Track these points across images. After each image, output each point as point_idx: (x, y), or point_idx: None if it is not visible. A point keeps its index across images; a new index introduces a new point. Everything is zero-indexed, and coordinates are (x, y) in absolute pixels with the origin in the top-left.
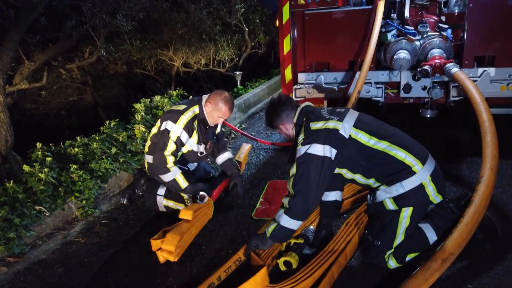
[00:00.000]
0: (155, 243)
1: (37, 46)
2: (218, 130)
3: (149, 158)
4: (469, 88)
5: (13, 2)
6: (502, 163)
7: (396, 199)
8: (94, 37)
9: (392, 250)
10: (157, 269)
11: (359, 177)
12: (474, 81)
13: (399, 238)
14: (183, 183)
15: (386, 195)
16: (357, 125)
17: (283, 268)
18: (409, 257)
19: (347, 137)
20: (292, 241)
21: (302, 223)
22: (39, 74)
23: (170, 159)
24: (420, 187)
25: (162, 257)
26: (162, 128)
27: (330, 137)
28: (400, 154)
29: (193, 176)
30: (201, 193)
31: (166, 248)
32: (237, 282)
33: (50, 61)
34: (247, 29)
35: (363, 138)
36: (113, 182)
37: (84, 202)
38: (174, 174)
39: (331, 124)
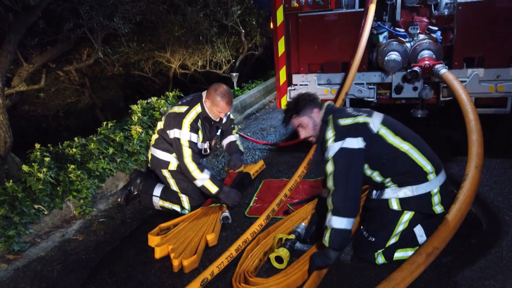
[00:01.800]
0: (152, 238)
1: (35, 48)
2: (224, 120)
3: (154, 151)
4: (456, 88)
5: (11, 5)
6: (491, 161)
7: (402, 201)
8: (91, 40)
9: (383, 249)
10: (153, 266)
11: (376, 175)
12: (464, 81)
13: (393, 239)
14: (212, 188)
15: (394, 194)
16: (384, 122)
17: (274, 263)
18: (397, 253)
19: (375, 131)
20: (284, 237)
21: (354, 220)
22: (37, 76)
23: (192, 166)
24: (428, 195)
25: (158, 253)
26: (171, 136)
27: (361, 130)
28: (421, 159)
29: None
30: (225, 214)
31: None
32: (229, 277)
33: (49, 64)
34: (243, 31)
35: (389, 136)
36: (110, 181)
37: (82, 201)
38: (202, 181)
39: (361, 119)
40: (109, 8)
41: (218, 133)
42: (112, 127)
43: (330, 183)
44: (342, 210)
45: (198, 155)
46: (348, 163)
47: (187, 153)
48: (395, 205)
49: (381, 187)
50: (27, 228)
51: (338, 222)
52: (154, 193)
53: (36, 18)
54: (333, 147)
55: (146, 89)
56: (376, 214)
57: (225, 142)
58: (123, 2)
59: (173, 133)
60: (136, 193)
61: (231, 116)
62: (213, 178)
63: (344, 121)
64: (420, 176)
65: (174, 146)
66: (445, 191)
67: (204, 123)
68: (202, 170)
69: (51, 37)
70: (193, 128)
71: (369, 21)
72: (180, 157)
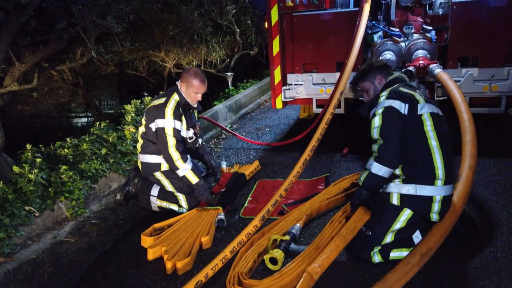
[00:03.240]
0: (145, 239)
1: (27, 47)
2: (199, 108)
3: (142, 158)
4: (451, 88)
5: (2, 4)
6: (485, 161)
7: (402, 197)
8: (85, 39)
9: (380, 247)
10: (146, 268)
11: None
12: (458, 81)
13: (389, 236)
14: (193, 179)
15: (396, 189)
16: (432, 114)
17: (269, 265)
18: (392, 252)
19: (419, 113)
20: (278, 238)
21: (392, 171)
22: (30, 75)
23: (176, 156)
24: (429, 199)
25: (151, 254)
26: (154, 129)
27: (411, 102)
28: (439, 163)
29: None
30: (220, 217)
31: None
32: (224, 280)
33: (41, 63)
34: (238, 30)
35: (428, 125)
36: (103, 182)
37: (74, 202)
38: (185, 171)
39: (417, 96)
40: (102, 7)
41: (197, 119)
42: (105, 127)
43: (376, 135)
44: (385, 159)
45: (182, 144)
46: (394, 119)
47: (171, 142)
48: (395, 200)
49: (390, 177)
50: (18, 230)
51: (378, 169)
52: (151, 193)
53: (27, 17)
54: (384, 103)
55: (140, 89)
56: (377, 208)
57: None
58: (117, 1)
59: (155, 124)
60: (133, 191)
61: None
62: (194, 170)
63: (402, 89)
64: (428, 177)
65: (158, 137)
66: (447, 204)
67: (185, 110)
68: (185, 160)
69: (43, 36)
70: (176, 115)
71: (363, 21)
72: (163, 147)
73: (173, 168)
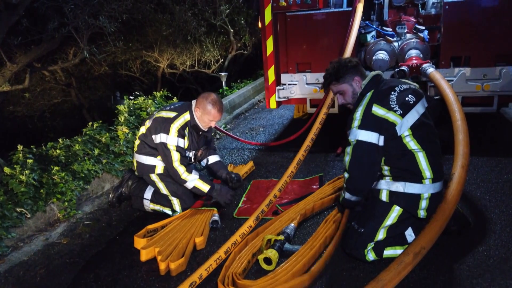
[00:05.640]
0: (138, 241)
1: (19, 48)
2: (209, 133)
3: (138, 158)
4: (443, 87)
5: None
6: (478, 160)
7: (391, 194)
8: (77, 39)
9: (373, 245)
10: (139, 269)
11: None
12: (450, 81)
13: (381, 232)
14: (204, 187)
15: (386, 186)
16: (413, 127)
17: (263, 265)
18: (386, 250)
19: (398, 135)
20: (273, 238)
21: (366, 191)
22: (22, 76)
23: (181, 169)
24: (417, 197)
25: (144, 255)
26: (157, 142)
27: (386, 129)
28: (424, 164)
29: None
30: (215, 218)
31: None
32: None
33: (33, 63)
34: (232, 30)
35: (407, 138)
36: (96, 183)
37: (66, 203)
38: (192, 182)
39: (391, 117)
40: (95, 7)
41: (205, 144)
42: (97, 127)
43: (344, 162)
44: (353, 191)
45: (185, 158)
46: (365, 155)
47: (175, 157)
48: (384, 197)
49: (380, 175)
50: (9, 232)
51: (349, 196)
52: (144, 196)
53: (19, 16)
54: (354, 133)
55: (134, 89)
56: (368, 205)
57: (210, 161)
58: (109, 1)
59: (159, 138)
60: (126, 193)
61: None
62: (202, 177)
63: (376, 110)
64: (415, 177)
65: (160, 151)
66: (435, 201)
67: (192, 132)
68: (190, 172)
69: (35, 36)
70: (180, 134)
71: (357, 21)
72: (168, 161)
73: (180, 182)
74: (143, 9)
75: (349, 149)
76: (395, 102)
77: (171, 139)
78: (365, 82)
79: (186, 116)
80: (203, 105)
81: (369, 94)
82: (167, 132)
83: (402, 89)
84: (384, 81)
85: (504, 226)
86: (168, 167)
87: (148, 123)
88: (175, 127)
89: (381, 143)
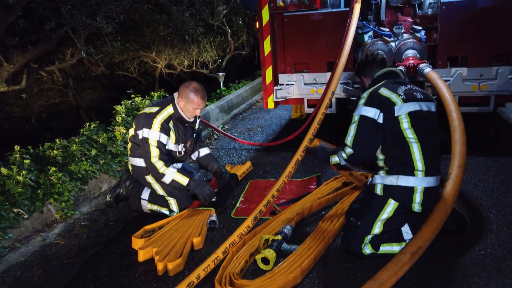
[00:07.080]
0: (136, 241)
1: (16, 48)
2: (197, 126)
3: (132, 160)
4: (440, 87)
5: None
6: (474, 159)
7: (385, 188)
8: (74, 39)
9: (370, 238)
10: (137, 269)
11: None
12: (447, 81)
13: (378, 225)
14: (183, 180)
15: (380, 180)
16: (412, 115)
17: (261, 265)
18: (382, 246)
19: (395, 115)
20: (270, 238)
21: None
22: (19, 76)
23: (159, 164)
24: (410, 189)
25: (141, 256)
26: (140, 137)
27: (386, 106)
28: (417, 156)
29: None
30: (212, 218)
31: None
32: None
33: (30, 64)
34: (229, 30)
35: (405, 124)
36: (93, 184)
37: (64, 204)
38: (171, 175)
39: (394, 97)
40: (92, 7)
41: (194, 136)
42: (95, 128)
43: (349, 143)
44: (351, 159)
45: (165, 156)
46: (367, 130)
47: (154, 152)
48: (379, 190)
49: (377, 167)
50: (6, 232)
51: (344, 163)
52: (142, 196)
53: (15, 17)
54: (360, 110)
55: (132, 89)
56: (365, 200)
57: (201, 154)
58: (106, 1)
59: (141, 133)
60: (124, 193)
61: (200, 126)
62: (181, 171)
63: (383, 91)
64: (406, 168)
65: (141, 146)
66: (430, 195)
67: (178, 125)
68: (168, 166)
69: (32, 36)
70: (164, 129)
71: (354, 21)
72: (146, 157)
73: (158, 177)
74: (141, 10)
75: (352, 126)
76: (402, 91)
77: (153, 134)
78: (380, 73)
79: (169, 110)
80: (185, 94)
81: (370, 91)
82: (149, 127)
83: (414, 88)
84: (399, 78)
85: (500, 225)
86: (146, 163)
87: (134, 124)
88: (158, 121)
89: (380, 120)
